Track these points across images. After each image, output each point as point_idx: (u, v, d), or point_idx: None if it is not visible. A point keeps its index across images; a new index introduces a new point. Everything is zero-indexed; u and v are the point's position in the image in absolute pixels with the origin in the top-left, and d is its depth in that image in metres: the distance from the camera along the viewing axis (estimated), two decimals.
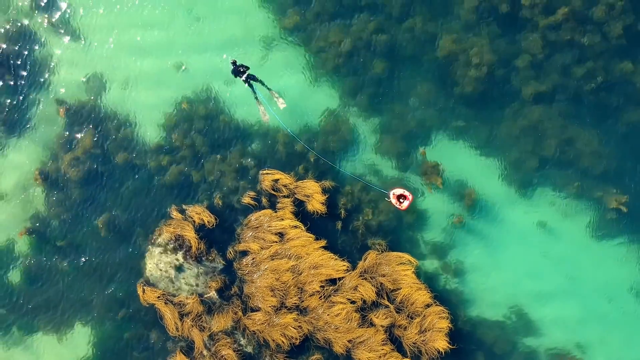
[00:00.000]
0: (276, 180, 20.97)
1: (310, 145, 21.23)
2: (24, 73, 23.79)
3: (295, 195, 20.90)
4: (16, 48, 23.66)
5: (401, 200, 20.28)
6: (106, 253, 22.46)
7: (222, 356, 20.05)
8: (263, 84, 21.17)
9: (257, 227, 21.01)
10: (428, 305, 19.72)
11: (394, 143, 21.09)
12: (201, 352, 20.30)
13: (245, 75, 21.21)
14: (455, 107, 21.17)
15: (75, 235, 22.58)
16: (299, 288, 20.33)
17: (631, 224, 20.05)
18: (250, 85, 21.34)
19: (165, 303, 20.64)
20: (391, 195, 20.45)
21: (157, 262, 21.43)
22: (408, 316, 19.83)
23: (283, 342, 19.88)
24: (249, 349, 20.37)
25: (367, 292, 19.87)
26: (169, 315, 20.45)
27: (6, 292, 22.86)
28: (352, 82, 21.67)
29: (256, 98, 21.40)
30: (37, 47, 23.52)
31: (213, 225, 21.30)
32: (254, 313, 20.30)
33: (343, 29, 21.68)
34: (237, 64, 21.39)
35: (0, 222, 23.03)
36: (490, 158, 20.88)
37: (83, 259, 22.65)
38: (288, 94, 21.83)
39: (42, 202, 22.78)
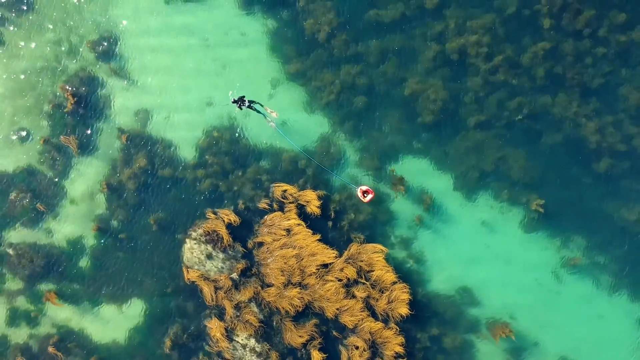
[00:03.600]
0: (284, 190, 25.33)
1: (308, 162, 25.48)
2: (92, 108, 27.00)
3: (298, 201, 25.22)
4: (86, 89, 27.00)
5: (365, 195, 24.84)
6: (154, 244, 26.25)
7: (247, 320, 24.80)
8: (259, 103, 24.80)
9: (271, 225, 25.33)
10: (394, 283, 24.34)
11: (371, 160, 25.41)
12: (231, 316, 24.99)
13: (247, 103, 24.45)
14: (417, 133, 25.26)
15: (131, 230, 26.37)
16: (301, 270, 24.84)
17: (549, 222, 24.44)
18: (253, 109, 24.91)
19: (204, 280, 25.30)
20: (358, 190, 24.92)
21: (192, 251, 25.72)
22: (379, 291, 24.52)
23: (290, 309, 24.63)
24: (261, 316, 25.07)
25: (350, 273, 24.53)
26: (206, 289, 25.02)
27: (79, 274, 26.65)
28: (340, 114, 25.68)
29: (263, 114, 25.22)
30: (100, 88, 26.94)
31: (237, 223, 25.55)
32: (269, 288, 24.98)
33: (334, 73, 25.66)
34: (236, 98, 24.41)
35: (73, 222, 26.78)
36: (443, 171, 25.15)
37: (137, 249, 26.29)
38: (290, 123, 25.79)
39: (105, 206, 26.63)
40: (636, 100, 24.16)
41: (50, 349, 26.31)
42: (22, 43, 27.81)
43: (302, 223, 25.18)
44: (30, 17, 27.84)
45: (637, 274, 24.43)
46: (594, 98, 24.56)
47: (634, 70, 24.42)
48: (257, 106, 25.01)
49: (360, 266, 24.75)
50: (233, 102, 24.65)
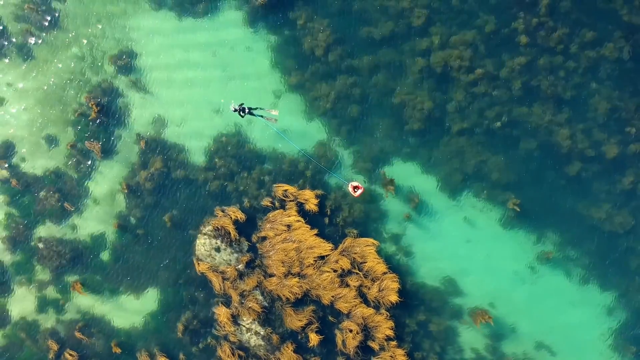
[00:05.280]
0: (285, 190, 27.28)
1: (306, 166, 27.44)
2: (113, 116, 28.84)
3: (298, 199, 27.14)
4: (108, 98, 28.84)
5: (356, 190, 26.62)
6: (169, 239, 28.07)
7: (251, 307, 26.91)
8: (259, 108, 26.69)
9: (273, 221, 27.25)
10: (385, 273, 26.33)
11: (364, 163, 27.38)
12: (236, 303, 27.09)
13: (247, 111, 25.98)
14: (405, 139, 27.14)
15: (148, 227, 28.21)
16: (300, 261, 26.80)
17: (525, 219, 26.37)
18: (253, 114, 26.49)
19: (213, 271, 27.43)
20: (349, 186, 26.75)
21: (203, 245, 27.60)
22: (371, 280, 26.52)
23: (290, 296, 26.65)
24: (264, 303, 27.18)
25: (344, 264, 26.52)
26: (215, 280, 27.15)
27: (100, 266, 28.56)
28: (336, 121, 27.59)
29: (265, 117, 27.00)
30: (121, 98, 28.80)
31: (243, 220, 27.39)
32: (271, 278, 27.01)
33: (330, 84, 27.53)
34: (235, 107, 25.84)
35: (95, 219, 28.69)
36: (429, 173, 27.12)
37: (153, 243, 28.11)
38: (290, 129, 27.64)
39: (124, 205, 28.54)
40: (604, 110, 26.10)
41: (76, 334, 28.42)
42: (49, 57, 30.00)
43: (301, 219, 27.10)
44: (57, 34, 30.03)
45: (605, 266, 26.42)
46: (566, 108, 26.42)
47: (602, 83, 26.31)
48: (257, 111, 26.81)
49: (354, 258, 26.77)
50: (234, 111, 26.40)
